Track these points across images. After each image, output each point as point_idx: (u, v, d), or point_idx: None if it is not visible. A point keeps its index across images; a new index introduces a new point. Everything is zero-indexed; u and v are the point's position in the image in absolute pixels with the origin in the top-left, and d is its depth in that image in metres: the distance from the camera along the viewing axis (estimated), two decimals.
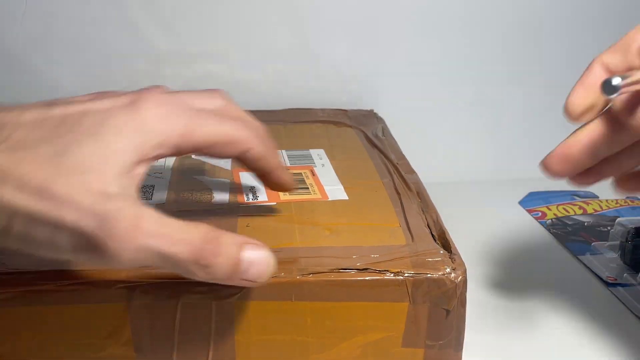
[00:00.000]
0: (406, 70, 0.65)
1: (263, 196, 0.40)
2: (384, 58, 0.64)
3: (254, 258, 0.27)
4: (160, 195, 0.41)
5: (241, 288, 0.31)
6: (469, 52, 0.65)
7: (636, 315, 0.44)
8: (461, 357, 0.34)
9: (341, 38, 0.62)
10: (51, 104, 0.28)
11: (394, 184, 0.42)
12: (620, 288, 0.47)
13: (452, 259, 0.33)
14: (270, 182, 0.34)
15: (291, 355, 0.33)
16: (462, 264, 0.33)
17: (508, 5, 0.63)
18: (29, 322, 0.31)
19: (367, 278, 0.32)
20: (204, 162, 0.46)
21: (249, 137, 0.31)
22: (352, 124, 0.56)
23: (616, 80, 0.29)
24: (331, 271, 0.32)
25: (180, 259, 0.25)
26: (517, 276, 0.49)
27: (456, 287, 0.32)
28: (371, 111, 0.61)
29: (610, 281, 0.48)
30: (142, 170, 0.28)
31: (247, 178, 0.43)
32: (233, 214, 0.38)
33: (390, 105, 0.63)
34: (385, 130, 0.55)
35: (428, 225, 0.37)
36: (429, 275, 0.32)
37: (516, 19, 0.64)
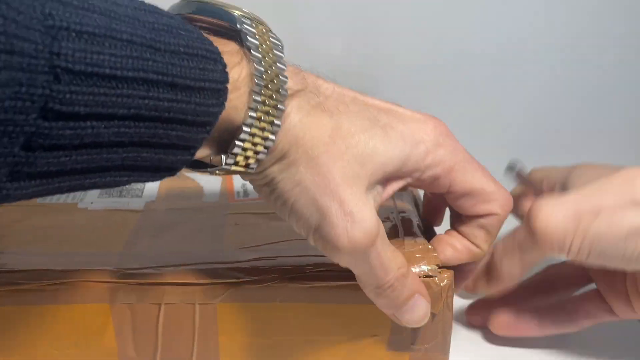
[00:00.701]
0: (404, 63, 0.64)
1: (254, 193, 0.40)
2: (381, 50, 0.63)
3: (421, 303, 0.30)
4: (151, 192, 0.41)
5: (225, 289, 0.31)
6: (466, 46, 0.64)
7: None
8: None
9: (336, 32, 0.62)
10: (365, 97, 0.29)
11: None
12: None
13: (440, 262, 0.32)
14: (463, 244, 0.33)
15: (275, 357, 0.33)
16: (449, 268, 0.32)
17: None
18: (12, 321, 0.31)
19: (352, 282, 0.31)
20: None
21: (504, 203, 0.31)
22: None
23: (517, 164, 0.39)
24: (317, 272, 0.31)
25: (376, 276, 0.28)
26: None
27: (442, 291, 0.31)
28: None
29: None
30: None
31: (238, 177, 0.43)
32: (222, 212, 0.38)
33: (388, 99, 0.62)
34: None
35: (419, 225, 0.36)
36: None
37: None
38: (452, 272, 0.32)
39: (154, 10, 0.22)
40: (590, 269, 0.37)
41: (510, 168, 0.39)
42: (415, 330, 0.32)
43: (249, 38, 0.25)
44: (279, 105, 0.25)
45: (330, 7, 0.61)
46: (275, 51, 0.26)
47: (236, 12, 0.25)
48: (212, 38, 0.24)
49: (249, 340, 0.32)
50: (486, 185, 0.30)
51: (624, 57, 0.65)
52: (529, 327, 0.37)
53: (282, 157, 0.26)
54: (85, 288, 0.31)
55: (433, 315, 0.32)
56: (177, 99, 0.22)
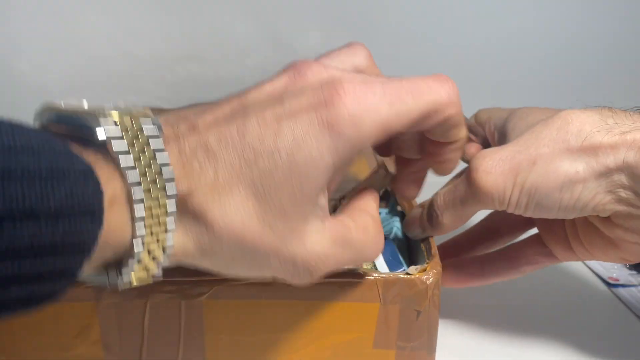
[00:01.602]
0: (384, 54, 0.64)
1: None
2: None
3: None
4: None
5: (211, 286, 0.31)
6: (450, 39, 0.64)
7: (637, 316, 0.43)
8: None
9: (311, 27, 0.62)
10: (237, 115, 0.25)
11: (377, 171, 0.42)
12: (621, 289, 0.47)
13: (428, 259, 0.33)
14: (444, 159, 0.32)
15: (261, 355, 0.33)
16: (437, 264, 0.32)
17: None
18: None
19: (337, 280, 0.31)
20: None
21: (451, 101, 0.27)
22: None
23: None
24: None
25: None
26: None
27: (427, 288, 0.31)
28: None
29: (612, 282, 0.48)
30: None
31: None
32: None
33: None
34: None
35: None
36: (400, 275, 0.31)
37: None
38: (438, 270, 0.32)
39: (11, 126, 0.19)
40: None
41: None
42: (401, 328, 0.32)
43: (115, 147, 0.22)
44: (169, 209, 0.23)
45: (302, 3, 0.61)
46: (151, 144, 0.22)
47: (97, 114, 0.22)
48: (82, 149, 0.21)
49: (235, 337, 0.32)
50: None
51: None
52: (472, 278, 0.38)
53: (197, 252, 0.24)
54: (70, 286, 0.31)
55: (418, 312, 0.32)
56: (41, 230, 0.19)
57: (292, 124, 0.24)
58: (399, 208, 0.43)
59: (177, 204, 0.23)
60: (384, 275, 0.31)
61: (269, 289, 0.31)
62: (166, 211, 0.23)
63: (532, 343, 0.40)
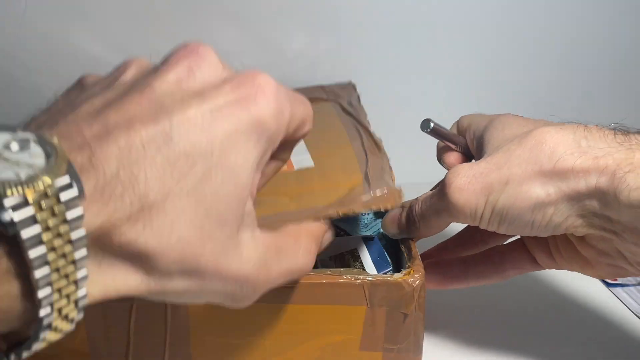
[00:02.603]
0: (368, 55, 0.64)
1: None
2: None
3: None
4: None
5: None
6: (434, 35, 0.64)
7: (636, 316, 0.44)
8: None
9: (297, 28, 0.62)
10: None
11: (363, 144, 0.42)
12: (620, 288, 0.47)
13: (411, 262, 0.32)
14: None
15: (247, 357, 0.33)
16: (420, 266, 0.32)
17: None
18: None
19: (324, 281, 0.31)
20: None
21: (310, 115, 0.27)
22: (328, 97, 0.55)
23: (431, 122, 0.37)
24: None
25: None
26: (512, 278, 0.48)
27: (414, 291, 0.31)
28: (349, 83, 0.59)
29: (611, 281, 0.47)
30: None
31: None
32: None
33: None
34: (359, 98, 0.54)
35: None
36: (386, 278, 0.31)
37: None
38: (422, 272, 0.32)
39: None
40: None
41: (424, 128, 0.37)
42: (387, 330, 0.32)
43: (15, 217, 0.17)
44: (77, 257, 0.19)
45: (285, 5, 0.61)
46: (61, 194, 0.18)
47: None
48: None
49: (221, 339, 0.32)
50: None
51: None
52: (455, 280, 0.38)
53: (145, 289, 0.21)
54: None
55: (405, 315, 0.32)
56: None
57: (221, 122, 0.21)
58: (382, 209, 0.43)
59: (90, 245, 0.19)
60: (370, 279, 0.31)
61: None
62: (74, 260, 0.19)
63: (531, 343, 0.40)
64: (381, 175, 0.36)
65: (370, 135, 0.43)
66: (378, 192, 0.33)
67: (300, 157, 0.42)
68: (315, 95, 0.56)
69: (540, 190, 0.29)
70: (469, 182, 0.31)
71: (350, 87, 0.58)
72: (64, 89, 0.25)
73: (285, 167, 0.40)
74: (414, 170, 0.56)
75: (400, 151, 0.55)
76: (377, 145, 0.41)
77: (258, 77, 0.23)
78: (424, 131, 0.37)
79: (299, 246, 0.27)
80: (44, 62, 0.60)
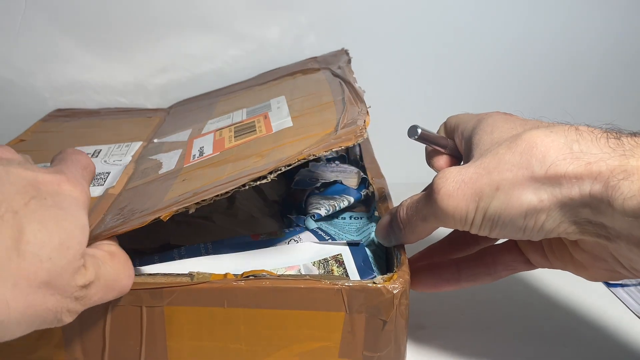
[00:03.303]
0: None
1: (209, 150, 0.40)
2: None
3: None
4: (112, 180, 0.41)
5: (172, 292, 0.30)
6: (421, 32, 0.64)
7: (637, 315, 0.43)
8: None
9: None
10: None
11: (344, 98, 0.41)
12: (620, 288, 0.46)
13: (398, 269, 0.32)
14: None
15: None
16: (405, 273, 0.31)
17: None
18: None
19: (302, 286, 0.31)
20: (162, 143, 0.47)
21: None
22: (320, 66, 0.55)
23: (419, 129, 0.36)
24: (264, 278, 0.31)
25: None
26: (513, 278, 0.47)
27: (394, 298, 0.30)
28: (341, 49, 0.59)
29: (611, 281, 0.46)
30: None
31: (198, 143, 0.43)
32: (174, 176, 0.38)
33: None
34: (350, 60, 0.53)
35: None
36: (366, 284, 0.30)
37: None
38: (406, 278, 0.31)
39: None
40: None
41: (411, 135, 0.36)
42: (367, 337, 0.31)
43: None
44: None
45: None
46: None
47: None
48: None
49: (198, 343, 0.32)
50: None
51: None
52: (448, 282, 0.37)
53: None
54: None
55: (384, 322, 0.31)
56: None
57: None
58: (376, 214, 0.42)
59: None
60: (349, 284, 0.30)
61: (231, 295, 0.31)
62: None
63: (531, 343, 0.39)
64: (354, 120, 0.35)
65: (353, 88, 0.42)
66: (341, 133, 0.32)
67: (281, 121, 0.42)
68: (309, 66, 0.56)
69: (532, 196, 0.28)
70: (458, 187, 0.30)
71: (341, 52, 0.58)
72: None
73: (264, 133, 0.40)
74: (406, 171, 0.56)
75: (393, 152, 0.54)
76: (357, 96, 0.40)
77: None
78: (411, 138, 0.36)
79: (118, 263, 0.29)
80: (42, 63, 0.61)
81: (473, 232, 0.31)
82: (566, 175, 0.28)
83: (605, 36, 0.65)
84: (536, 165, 0.28)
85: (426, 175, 0.63)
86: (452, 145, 0.37)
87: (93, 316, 0.31)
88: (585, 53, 0.65)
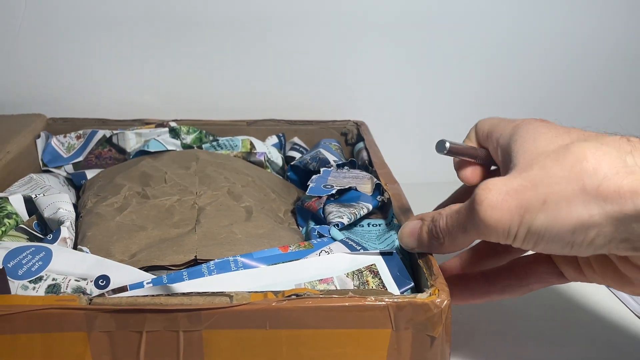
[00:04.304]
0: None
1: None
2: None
3: None
4: None
5: (212, 315, 0.29)
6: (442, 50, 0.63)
7: (637, 315, 0.43)
8: None
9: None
10: None
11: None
12: None
13: (434, 280, 0.31)
14: None
15: None
16: (444, 284, 0.31)
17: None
18: None
19: (346, 304, 0.29)
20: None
21: None
22: None
23: (447, 143, 0.35)
24: (308, 297, 0.29)
25: None
26: None
27: (441, 312, 0.29)
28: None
29: None
30: None
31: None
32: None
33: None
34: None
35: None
36: (412, 299, 0.29)
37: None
38: (447, 291, 0.30)
39: None
40: None
41: (440, 150, 0.35)
42: (413, 355, 0.30)
43: None
44: None
45: None
46: None
47: None
48: None
49: None
50: None
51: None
52: (478, 295, 0.36)
53: None
54: (60, 315, 0.29)
55: (432, 338, 0.30)
56: None
57: None
58: (395, 221, 0.41)
59: None
60: (396, 300, 0.29)
61: (273, 316, 0.29)
62: None
63: (531, 343, 0.39)
64: None
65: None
66: None
67: None
68: None
69: (582, 211, 0.27)
70: (503, 199, 0.29)
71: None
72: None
73: None
74: (414, 171, 0.55)
75: (401, 151, 0.53)
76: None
77: None
78: (440, 153, 0.35)
79: None
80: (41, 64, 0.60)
81: (516, 245, 0.30)
82: (620, 190, 0.27)
83: (605, 36, 0.65)
84: (587, 179, 0.27)
85: (427, 175, 0.63)
86: (483, 155, 0.36)
87: (126, 342, 0.29)
88: (585, 53, 0.66)
